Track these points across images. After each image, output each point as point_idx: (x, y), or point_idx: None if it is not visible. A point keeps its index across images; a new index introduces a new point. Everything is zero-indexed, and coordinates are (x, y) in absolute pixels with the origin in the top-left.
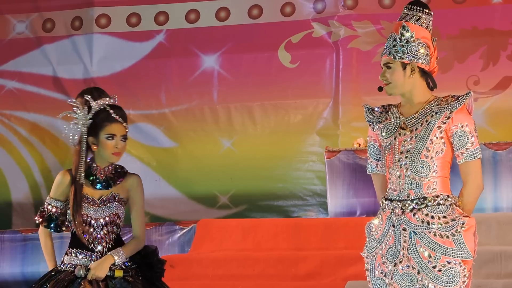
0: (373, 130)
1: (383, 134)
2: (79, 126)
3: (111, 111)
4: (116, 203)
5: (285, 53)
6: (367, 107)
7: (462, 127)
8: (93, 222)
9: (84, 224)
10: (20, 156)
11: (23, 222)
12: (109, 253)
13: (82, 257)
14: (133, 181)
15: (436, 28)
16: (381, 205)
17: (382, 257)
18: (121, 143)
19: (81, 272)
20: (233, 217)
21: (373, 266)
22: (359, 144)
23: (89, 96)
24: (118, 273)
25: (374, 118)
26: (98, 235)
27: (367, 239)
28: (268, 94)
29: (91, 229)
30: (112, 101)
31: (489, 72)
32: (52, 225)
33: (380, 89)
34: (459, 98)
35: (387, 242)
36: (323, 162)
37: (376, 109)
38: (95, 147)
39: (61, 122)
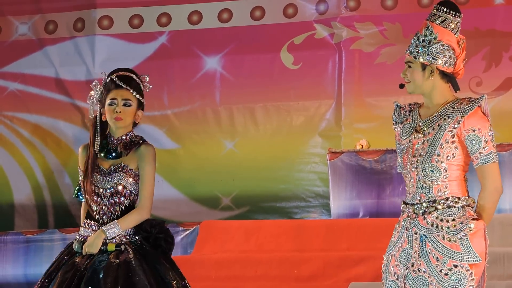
0: (395, 130)
1: (401, 135)
2: (94, 102)
3: (116, 78)
4: (123, 173)
5: (287, 54)
6: (396, 105)
7: (474, 131)
8: (100, 191)
9: (93, 194)
10: (22, 157)
11: (26, 223)
12: (103, 227)
13: (91, 228)
14: (143, 150)
15: None
16: (401, 208)
17: (396, 260)
18: (122, 108)
19: (77, 246)
20: (236, 218)
21: (388, 268)
22: (362, 146)
23: (104, 72)
24: (110, 247)
25: (398, 118)
26: (104, 206)
27: (390, 240)
28: (271, 95)
29: (99, 199)
30: (125, 72)
31: (491, 73)
32: (79, 194)
33: (402, 86)
34: (472, 102)
35: (401, 245)
36: (326, 164)
37: (404, 107)
38: (104, 117)
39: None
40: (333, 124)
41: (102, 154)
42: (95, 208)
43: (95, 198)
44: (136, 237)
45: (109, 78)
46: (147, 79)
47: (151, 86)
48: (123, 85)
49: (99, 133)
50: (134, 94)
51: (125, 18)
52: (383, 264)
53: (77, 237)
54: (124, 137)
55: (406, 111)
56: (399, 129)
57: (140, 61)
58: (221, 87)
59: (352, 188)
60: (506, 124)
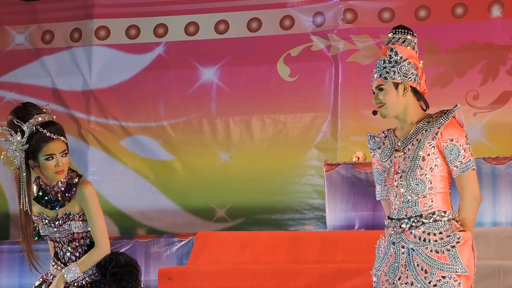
0: (374, 157)
1: (381, 158)
2: (17, 152)
3: (44, 130)
4: (71, 222)
5: (284, 66)
6: (369, 135)
7: (451, 140)
8: (58, 239)
9: (53, 243)
10: None
11: (21, 233)
12: (63, 270)
13: (59, 269)
14: (80, 192)
15: (436, 42)
16: (385, 223)
17: (385, 275)
18: (62, 160)
19: None
20: (230, 230)
21: (379, 284)
22: (358, 158)
23: (17, 120)
24: None
25: (374, 145)
26: (67, 251)
27: (376, 257)
28: (267, 107)
29: (60, 245)
30: (42, 117)
31: (488, 86)
32: (36, 235)
33: (375, 112)
34: (447, 113)
35: (389, 260)
36: (322, 176)
37: (378, 135)
38: (38, 170)
39: None
40: (329, 137)
41: (45, 204)
42: (60, 253)
43: (57, 245)
44: (91, 277)
45: (34, 130)
46: (49, 109)
47: (54, 116)
48: (57, 137)
49: (25, 189)
50: (65, 141)
51: (122, 29)
52: (374, 282)
53: (50, 277)
54: (60, 184)
55: (380, 138)
56: (377, 154)
57: (137, 72)
58: (218, 99)
59: (348, 200)
60: (502, 138)
